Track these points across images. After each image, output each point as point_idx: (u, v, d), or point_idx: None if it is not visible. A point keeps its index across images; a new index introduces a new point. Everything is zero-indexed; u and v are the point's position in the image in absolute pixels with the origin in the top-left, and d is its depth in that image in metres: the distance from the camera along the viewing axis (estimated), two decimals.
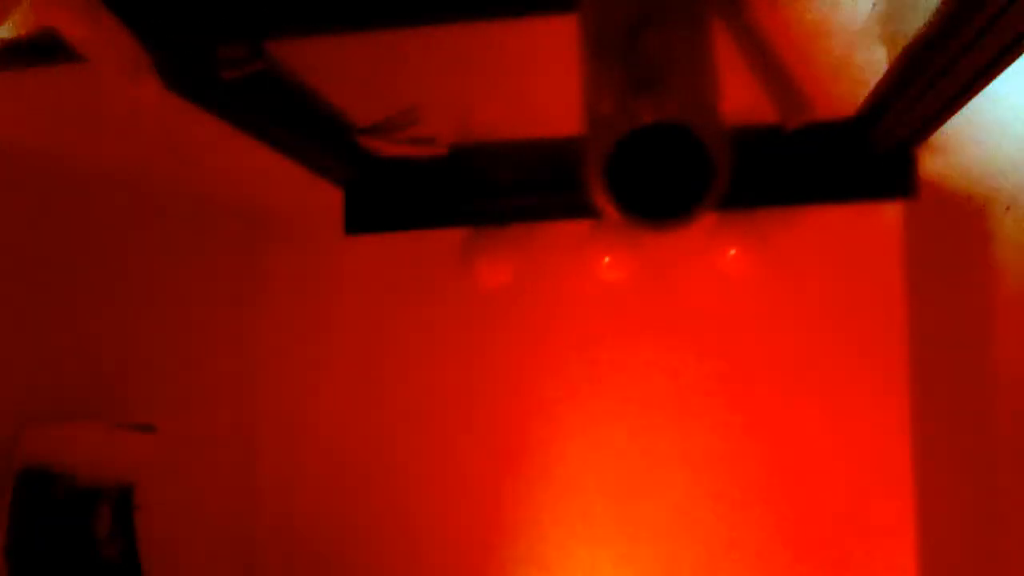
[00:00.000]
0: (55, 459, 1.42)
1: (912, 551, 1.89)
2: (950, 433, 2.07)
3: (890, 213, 1.91)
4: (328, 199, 1.75)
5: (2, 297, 1.39)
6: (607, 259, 1.81)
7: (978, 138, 1.57)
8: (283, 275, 2.20)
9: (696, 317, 2.02)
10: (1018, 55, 1.06)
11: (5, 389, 1.36)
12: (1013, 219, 2.08)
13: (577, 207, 1.71)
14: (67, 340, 1.52)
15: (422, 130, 1.49)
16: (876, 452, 1.92)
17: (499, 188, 1.76)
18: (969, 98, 1.23)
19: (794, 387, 1.97)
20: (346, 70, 1.32)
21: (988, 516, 2.08)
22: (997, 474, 2.08)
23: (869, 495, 1.92)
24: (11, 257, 1.40)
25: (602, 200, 0.53)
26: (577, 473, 2.04)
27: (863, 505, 1.93)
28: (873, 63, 1.32)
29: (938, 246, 2.10)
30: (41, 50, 0.78)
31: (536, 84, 1.69)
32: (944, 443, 2.05)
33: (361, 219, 1.77)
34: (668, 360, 2.02)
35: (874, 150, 1.55)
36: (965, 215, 2.10)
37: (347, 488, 2.14)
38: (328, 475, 2.15)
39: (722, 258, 1.79)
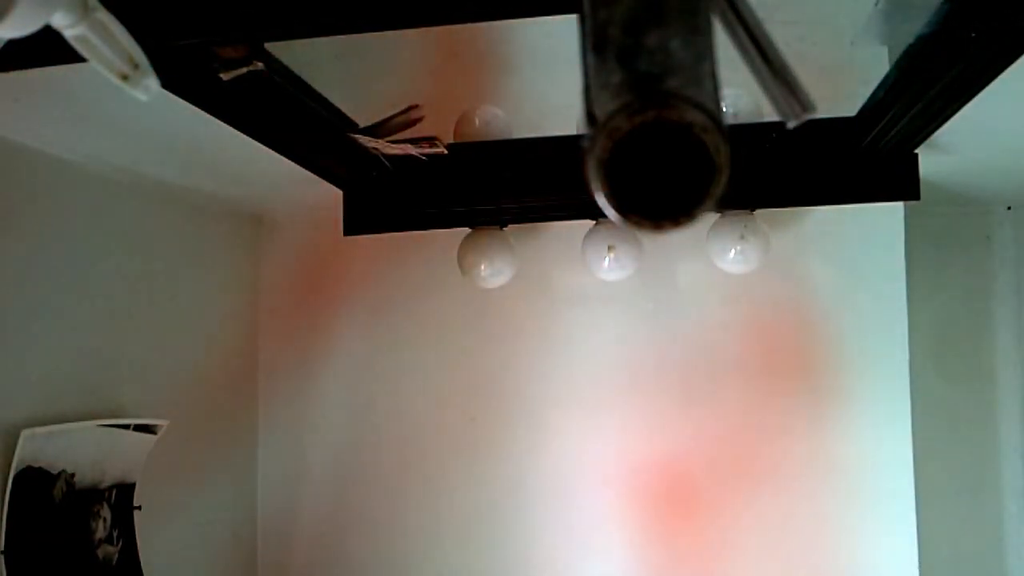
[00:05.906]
0: (53, 459, 1.41)
1: (912, 547, 1.89)
2: (950, 433, 2.07)
3: (891, 213, 1.91)
4: (327, 199, 1.75)
5: None
6: (607, 260, 1.80)
7: (980, 137, 1.57)
8: (282, 275, 2.20)
9: (697, 318, 2.02)
10: (1020, 54, 1.06)
11: (2, 389, 1.35)
12: (1014, 219, 2.09)
13: (577, 207, 1.73)
14: (64, 339, 1.51)
15: (422, 130, 1.49)
16: (875, 451, 1.92)
17: (499, 188, 1.76)
18: (971, 97, 1.23)
19: (794, 386, 1.97)
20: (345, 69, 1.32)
21: (988, 514, 2.09)
22: (997, 473, 2.08)
23: (868, 495, 1.92)
24: (7, 255, 1.40)
25: (602, 200, 0.53)
26: (578, 473, 2.04)
27: (862, 506, 1.93)
28: (874, 62, 1.32)
29: (939, 246, 2.10)
30: (41, 49, 0.78)
31: (537, 83, 1.69)
32: (944, 443, 2.05)
33: (360, 220, 1.77)
34: (668, 361, 2.02)
35: (875, 150, 1.55)
36: (966, 215, 2.11)
37: (348, 487, 2.14)
38: (329, 474, 2.15)
39: (722, 259, 1.79)
